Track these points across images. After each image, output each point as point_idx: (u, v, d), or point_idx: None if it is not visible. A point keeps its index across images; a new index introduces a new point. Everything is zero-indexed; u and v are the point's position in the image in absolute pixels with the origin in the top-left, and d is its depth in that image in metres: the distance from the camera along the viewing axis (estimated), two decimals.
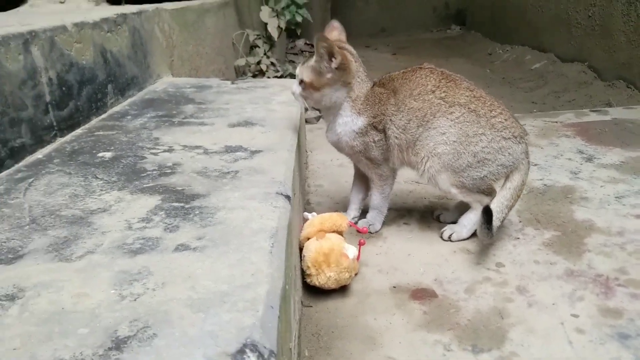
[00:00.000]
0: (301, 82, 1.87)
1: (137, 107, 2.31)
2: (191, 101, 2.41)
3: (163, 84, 2.79)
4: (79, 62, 2.02)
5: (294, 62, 6.02)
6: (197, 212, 1.26)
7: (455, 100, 1.80)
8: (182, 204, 1.31)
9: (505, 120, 1.80)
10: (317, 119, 4.21)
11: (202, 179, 1.47)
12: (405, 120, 1.84)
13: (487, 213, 1.69)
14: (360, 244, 1.74)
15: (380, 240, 1.96)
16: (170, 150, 1.73)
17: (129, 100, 2.43)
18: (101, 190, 1.40)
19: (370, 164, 1.95)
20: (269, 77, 4.84)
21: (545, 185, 2.31)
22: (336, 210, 2.16)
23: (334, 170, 2.62)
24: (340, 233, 1.71)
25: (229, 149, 1.73)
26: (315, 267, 1.59)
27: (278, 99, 2.46)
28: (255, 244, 1.10)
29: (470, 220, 1.88)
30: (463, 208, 1.97)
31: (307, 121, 4.19)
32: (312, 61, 1.83)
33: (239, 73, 4.96)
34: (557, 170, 2.45)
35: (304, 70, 1.86)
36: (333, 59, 1.80)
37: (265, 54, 5.08)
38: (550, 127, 3.10)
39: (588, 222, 1.98)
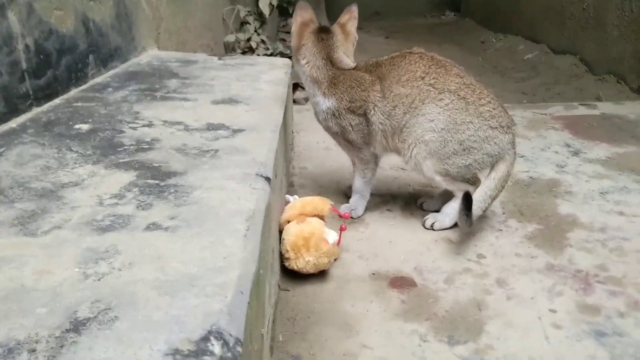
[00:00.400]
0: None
1: (119, 79, 2.24)
2: (175, 76, 2.34)
3: (148, 56, 2.72)
4: (58, 30, 1.95)
5: (285, 40, 5.92)
6: (172, 190, 1.22)
7: (445, 86, 1.77)
8: (157, 182, 1.26)
9: (494, 109, 1.77)
10: (306, 99, 4.15)
11: (181, 157, 1.43)
12: (390, 106, 1.80)
13: (467, 199, 1.66)
14: (342, 229, 1.71)
15: (362, 226, 1.93)
16: (149, 125, 1.68)
17: (112, 72, 2.35)
18: (75, 163, 1.35)
19: (350, 147, 1.92)
20: (258, 55, 4.76)
21: (530, 177, 2.29)
22: (319, 194, 2.14)
23: (320, 153, 2.59)
24: (321, 217, 1.68)
25: (211, 127, 1.68)
26: (295, 251, 1.56)
27: (266, 77, 2.40)
28: (230, 226, 1.06)
29: (453, 209, 1.86)
30: (447, 197, 1.95)
31: (295, 102, 4.14)
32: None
33: (228, 49, 4.86)
34: (544, 162, 2.44)
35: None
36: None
37: (255, 31, 4.99)
38: (538, 119, 3.08)
39: (571, 216, 1.97)
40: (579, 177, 2.28)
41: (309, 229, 1.57)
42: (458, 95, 1.76)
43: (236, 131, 1.66)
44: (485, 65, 5.49)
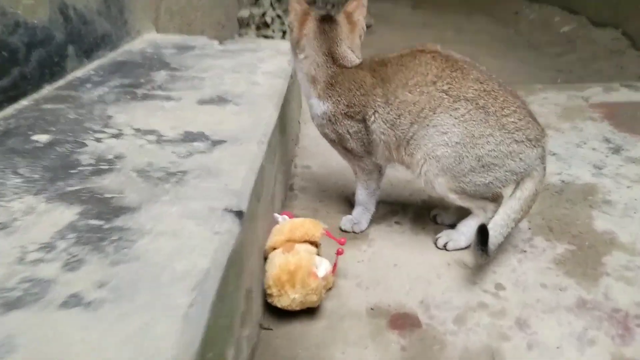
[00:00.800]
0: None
1: (104, 72, 2.03)
2: (166, 66, 2.12)
3: (142, 42, 2.50)
4: (27, 21, 1.74)
5: None
6: (115, 237, 1.01)
7: (462, 94, 1.50)
8: (101, 222, 1.06)
9: (519, 120, 1.50)
10: None
11: (141, 183, 1.22)
12: (394, 114, 1.55)
13: (482, 233, 1.42)
14: (338, 254, 1.49)
15: (366, 243, 1.70)
16: (118, 135, 1.47)
17: (97, 62, 2.15)
18: (14, 193, 1.15)
19: (349, 156, 1.68)
20: (273, 31, 4.50)
21: (563, 181, 2.01)
22: (321, 199, 1.92)
23: (326, 149, 2.32)
24: (313, 243, 1.46)
25: (188, 137, 1.47)
26: (278, 287, 1.35)
27: (265, 67, 2.16)
28: (171, 299, 0.85)
29: (470, 228, 1.61)
30: (464, 210, 1.70)
31: None
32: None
33: (242, 25, 4.60)
34: (579, 162, 2.15)
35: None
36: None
37: (271, 5, 4.70)
38: (574, 107, 2.75)
39: (609, 234, 1.70)
40: (620, 182, 1.99)
41: (296, 261, 1.35)
42: (476, 104, 1.49)
43: (216, 143, 1.44)
44: (517, 39, 5.09)
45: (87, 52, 2.10)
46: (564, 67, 4.32)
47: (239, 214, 1.13)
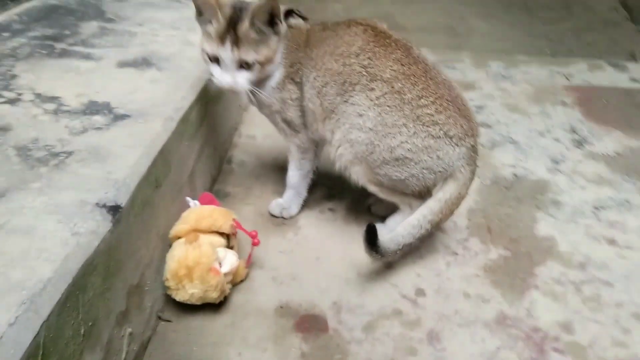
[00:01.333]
0: (246, 65, 1.36)
1: (28, 18, 1.85)
2: (100, 15, 1.94)
3: None
4: None
5: None
6: None
7: (379, 73, 1.36)
8: None
9: (438, 113, 1.35)
10: None
11: (16, 163, 1.09)
12: (321, 81, 1.42)
13: (369, 232, 1.31)
14: (254, 244, 1.39)
15: (292, 230, 1.60)
16: (14, 100, 1.33)
17: (25, 6, 1.96)
18: None
19: (287, 129, 1.54)
20: None
21: (515, 175, 1.89)
22: (259, 175, 1.80)
23: None
24: (223, 234, 1.35)
25: (90, 108, 1.33)
26: (175, 280, 1.25)
27: None
28: None
29: (397, 224, 1.50)
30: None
31: None
32: (244, 29, 1.31)
33: None
34: (537, 154, 2.02)
35: (246, 48, 1.33)
36: (277, 21, 1.34)
37: None
38: (549, 88, 2.60)
39: (549, 240, 1.60)
40: (574, 181, 1.88)
41: (195, 256, 1.24)
42: (392, 87, 1.35)
43: (119, 117, 1.30)
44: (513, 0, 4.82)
45: None
46: (555, 37, 4.09)
47: (114, 209, 1.01)
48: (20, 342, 0.74)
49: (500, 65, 2.90)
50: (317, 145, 1.59)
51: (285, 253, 1.52)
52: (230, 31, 1.31)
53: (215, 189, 1.74)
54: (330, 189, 1.78)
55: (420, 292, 1.41)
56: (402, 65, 1.36)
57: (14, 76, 1.44)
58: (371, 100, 1.35)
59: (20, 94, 1.35)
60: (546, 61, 3.07)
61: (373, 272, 1.46)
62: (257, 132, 2.08)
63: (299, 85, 1.46)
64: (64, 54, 1.61)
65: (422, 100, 1.34)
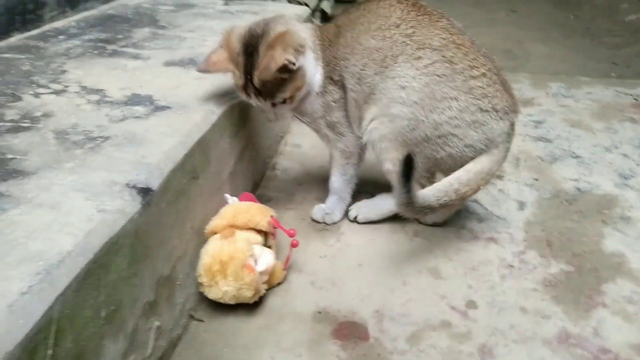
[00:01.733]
0: (281, 102, 1.34)
1: (85, 24, 1.90)
2: (153, 23, 1.97)
3: None
4: None
5: None
6: None
7: (426, 40, 1.28)
8: None
9: (488, 85, 1.28)
10: None
11: (53, 145, 1.07)
12: (360, 64, 1.35)
13: (407, 163, 1.15)
14: (292, 246, 1.31)
15: (334, 236, 1.52)
16: (60, 92, 1.33)
17: (84, 14, 2.02)
18: None
19: (331, 134, 1.47)
20: None
21: (578, 189, 1.75)
22: (302, 183, 1.74)
23: None
24: (260, 231, 1.28)
25: (133, 100, 1.32)
26: (209, 277, 1.19)
27: None
28: (3, 284, 0.71)
29: (388, 204, 1.47)
30: (452, 211, 1.49)
31: None
32: (258, 85, 1.29)
33: None
34: (603, 169, 1.87)
35: (270, 94, 1.31)
36: (291, 65, 1.27)
37: None
38: (615, 105, 2.44)
39: (618, 257, 1.44)
40: None
41: (230, 251, 1.18)
42: (443, 56, 1.27)
43: (159, 108, 1.28)
44: (575, 25, 4.65)
45: (72, 2, 1.98)
46: (621, 61, 3.89)
47: (145, 191, 0.97)
48: (31, 313, 0.70)
49: (561, 86, 2.76)
50: (361, 149, 1.51)
51: (326, 258, 1.43)
52: (249, 83, 1.29)
53: (257, 193, 1.68)
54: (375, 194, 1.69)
55: (471, 304, 1.28)
56: (450, 34, 1.30)
57: (63, 71, 1.46)
58: (417, 69, 1.28)
59: (66, 87, 1.36)
60: (611, 82, 2.90)
61: (420, 281, 1.35)
62: (303, 141, 2.04)
63: (339, 83, 1.41)
64: (114, 54, 1.63)
65: (474, 70, 1.28)
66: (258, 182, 1.74)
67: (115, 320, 0.90)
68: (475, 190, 1.35)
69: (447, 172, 1.36)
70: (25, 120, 1.17)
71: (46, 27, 1.82)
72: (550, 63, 3.64)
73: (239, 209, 1.28)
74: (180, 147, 1.13)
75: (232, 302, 1.21)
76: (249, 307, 1.25)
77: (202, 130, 1.22)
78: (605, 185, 1.77)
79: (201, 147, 1.21)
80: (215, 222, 1.26)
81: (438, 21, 1.32)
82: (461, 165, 1.34)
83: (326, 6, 4.23)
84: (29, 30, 1.76)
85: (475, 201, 1.64)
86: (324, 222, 1.57)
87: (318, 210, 1.58)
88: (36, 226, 0.82)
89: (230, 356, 1.15)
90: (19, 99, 1.27)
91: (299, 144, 2.02)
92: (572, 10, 5.20)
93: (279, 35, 1.27)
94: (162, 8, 2.19)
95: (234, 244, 1.19)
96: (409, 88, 1.29)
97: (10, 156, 1.02)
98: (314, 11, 4.12)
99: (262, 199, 1.64)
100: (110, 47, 1.67)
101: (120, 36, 1.79)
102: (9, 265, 0.74)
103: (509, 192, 1.71)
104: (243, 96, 1.34)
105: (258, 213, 1.27)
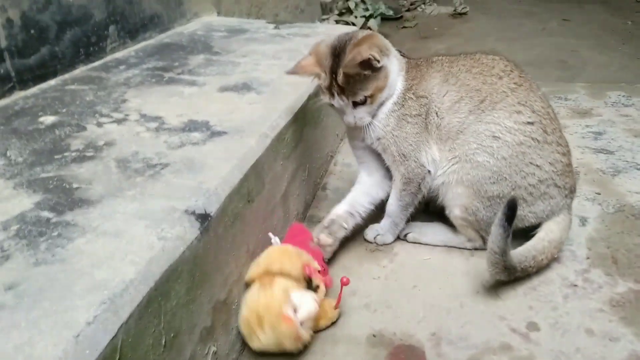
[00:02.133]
0: (362, 101, 1.36)
1: (143, 54, 1.99)
2: (208, 50, 2.04)
3: (197, 24, 2.45)
4: None
5: None
6: (56, 232, 0.92)
7: (528, 100, 1.32)
8: (52, 215, 0.97)
9: (566, 164, 1.35)
10: None
11: (115, 174, 1.12)
12: (456, 96, 1.36)
13: (511, 207, 1.17)
14: (342, 284, 1.25)
15: (388, 257, 1.51)
16: (121, 120, 1.40)
17: (142, 44, 2.12)
18: None
19: (397, 154, 1.44)
20: (356, 17, 4.32)
21: None
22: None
23: None
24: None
25: (190, 126, 1.36)
26: (248, 329, 1.16)
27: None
28: (71, 313, 0.74)
29: (434, 236, 1.54)
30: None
31: None
32: (342, 82, 1.31)
33: (325, 10, 4.47)
34: None
35: (352, 92, 1.33)
36: (374, 61, 1.30)
37: None
38: None
39: None
40: None
41: (266, 302, 1.13)
42: (540, 121, 1.31)
43: (215, 134, 1.32)
44: (632, 32, 4.48)
45: (132, 33, 2.07)
46: None
47: (204, 217, 1.00)
48: (96, 343, 0.72)
49: (620, 95, 2.65)
50: (424, 180, 1.47)
51: (379, 280, 1.42)
52: (334, 82, 1.32)
53: (309, 214, 1.70)
54: (431, 216, 1.67)
55: (532, 326, 1.24)
56: (545, 104, 1.35)
57: (124, 100, 1.53)
58: (515, 123, 1.30)
59: (127, 115, 1.42)
60: None
61: (478, 302, 1.32)
62: (353, 160, 2.02)
63: (423, 101, 1.41)
64: (170, 81, 1.69)
65: (560, 147, 1.33)
66: (309, 203, 1.75)
67: (174, 347, 0.92)
68: (550, 259, 1.37)
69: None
70: (90, 150, 1.23)
71: (108, 58, 1.92)
72: (608, 72, 3.50)
73: (271, 256, 1.24)
74: (236, 171, 1.15)
75: (275, 351, 1.17)
76: None
77: (257, 153, 1.25)
78: None
79: (256, 170, 1.24)
80: (253, 270, 1.22)
81: (538, 89, 1.37)
82: (522, 227, 1.39)
83: (373, 24, 4.27)
84: (92, 62, 1.85)
85: None
86: (375, 243, 1.56)
87: (371, 231, 1.57)
88: (101, 255, 0.86)
89: None
90: (84, 129, 1.34)
91: (349, 163, 2.03)
92: (628, 16, 5.01)
93: (366, 35, 1.32)
94: (216, 35, 2.26)
95: (270, 294, 1.14)
96: (501, 141, 1.30)
97: (75, 185, 1.07)
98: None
99: (313, 220, 1.66)
100: (167, 75, 1.74)
101: (176, 64, 1.86)
102: (76, 295, 0.77)
103: None
104: (327, 98, 1.37)
105: (288, 261, 1.22)
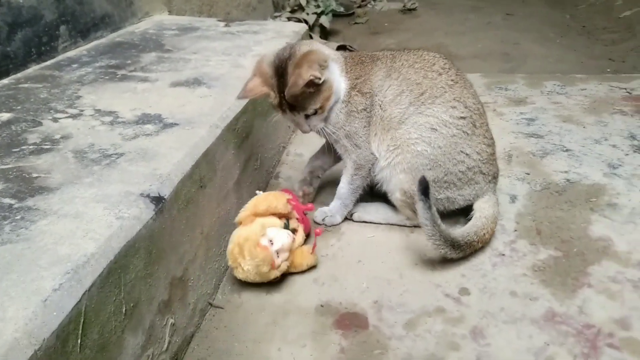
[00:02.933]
0: (311, 114, 1.48)
1: (95, 53, 2.04)
2: (159, 48, 2.11)
3: (148, 24, 2.50)
4: (11, 0, 1.76)
5: None
6: (18, 216, 0.99)
7: (462, 97, 1.48)
8: (14, 202, 1.04)
9: (491, 154, 1.54)
10: None
11: (73, 164, 1.19)
12: (397, 89, 1.49)
13: (422, 182, 1.32)
14: (316, 235, 1.49)
15: (335, 237, 1.62)
16: (76, 115, 1.46)
17: (94, 43, 2.16)
18: None
19: (348, 145, 1.57)
20: (307, 14, 4.41)
21: (567, 180, 1.83)
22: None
23: None
24: (283, 216, 1.45)
25: (143, 119, 1.44)
26: (232, 259, 1.37)
27: (258, 49, 2.10)
28: (38, 282, 0.82)
29: (380, 214, 1.66)
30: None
31: None
32: (290, 100, 1.42)
33: (277, 7, 4.55)
34: (592, 160, 1.95)
35: (302, 107, 1.45)
36: (316, 80, 1.40)
37: None
38: (605, 99, 2.51)
39: (604, 241, 1.52)
40: (633, 184, 1.79)
41: (245, 234, 1.35)
42: (471, 115, 1.48)
43: (167, 126, 1.40)
44: (571, 25, 4.74)
45: (83, 33, 2.12)
46: (617, 57, 3.97)
47: (158, 199, 1.09)
48: (63, 307, 0.81)
49: (555, 84, 2.83)
50: (373, 163, 1.60)
51: (327, 257, 1.53)
52: (283, 100, 1.43)
53: None
54: (374, 198, 1.79)
55: (464, 291, 1.38)
56: (476, 101, 1.50)
57: (78, 97, 1.59)
58: (451, 116, 1.45)
59: (82, 110, 1.49)
60: (606, 78, 2.97)
61: (416, 273, 1.45)
62: (304, 150, 2.14)
63: (368, 96, 1.52)
64: (124, 78, 1.75)
65: (486, 139, 1.49)
66: (263, 190, 1.84)
67: (134, 315, 1.00)
68: (491, 234, 1.53)
69: (442, 211, 1.52)
70: (47, 143, 1.29)
71: (60, 57, 1.96)
72: (548, 63, 3.72)
73: (258, 199, 1.45)
74: (188, 159, 1.24)
75: (257, 280, 1.36)
76: (256, 305, 1.36)
77: (207, 143, 1.34)
78: (594, 175, 1.85)
79: (207, 158, 1.33)
80: (240, 215, 1.42)
81: (471, 87, 1.52)
82: (452, 208, 1.56)
83: (325, 21, 4.38)
84: (45, 61, 1.90)
85: None
86: (324, 224, 1.67)
87: (321, 213, 1.68)
88: (63, 234, 0.94)
89: (239, 350, 1.25)
90: (40, 124, 1.40)
91: (301, 153, 2.13)
92: (568, 10, 5.28)
93: (304, 54, 1.41)
94: (167, 33, 2.33)
95: (250, 228, 1.36)
96: (438, 132, 1.44)
97: (35, 175, 1.14)
98: (312, 27, 4.26)
99: None
100: (120, 72, 1.80)
101: (129, 61, 1.92)
102: (42, 267, 0.85)
103: (501, 187, 1.80)
104: (279, 114, 1.50)
105: (274, 199, 1.43)
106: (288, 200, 1.46)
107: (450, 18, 5.06)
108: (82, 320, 0.84)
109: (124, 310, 0.97)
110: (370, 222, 1.65)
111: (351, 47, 3.89)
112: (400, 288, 1.40)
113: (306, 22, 4.17)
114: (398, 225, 1.63)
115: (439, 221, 1.36)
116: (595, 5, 5.19)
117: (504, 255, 1.50)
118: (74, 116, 1.45)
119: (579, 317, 1.27)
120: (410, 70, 1.50)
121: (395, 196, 1.54)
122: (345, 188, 1.64)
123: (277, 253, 1.36)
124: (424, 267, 1.47)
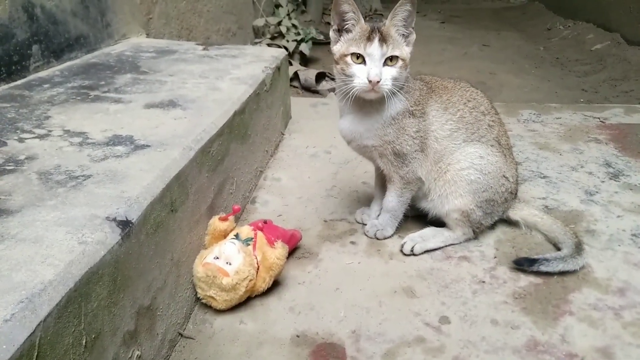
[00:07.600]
0: (390, 60, 1.43)
1: (68, 73, 1.99)
2: (135, 69, 2.07)
3: (125, 46, 2.46)
4: None
5: (330, 24, 5.52)
6: None
7: (499, 136, 1.64)
8: None
9: (515, 175, 1.69)
10: (331, 90, 3.77)
11: (37, 186, 1.14)
12: (454, 126, 1.57)
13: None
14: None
15: (313, 263, 1.57)
16: (44, 136, 1.40)
17: (68, 64, 2.11)
18: None
19: (395, 161, 1.56)
20: (287, 41, 4.43)
21: (546, 207, 1.83)
22: (280, 215, 1.80)
23: (303, 161, 2.23)
24: (229, 231, 1.49)
25: (114, 140, 1.39)
26: (201, 295, 1.38)
27: (236, 73, 2.08)
28: None
29: (440, 238, 1.65)
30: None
31: (319, 92, 3.78)
32: (388, 28, 1.42)
33: (258, 34, 4.57)
34: (569, 187, 1.95)
35: (392, 44, 1.41)
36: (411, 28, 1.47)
37: (288, 14, 4.64)
38: (580, 128, 2.55)
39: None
40: (610, 211, 1.79)
41: (194, 267, 1.38)
42: (502, 150, 1.64)
43: (139, 147, 1.35)
44: (545, 56, 4.85)
45: (57, 53, 2.07)
46: (589, 87, 4.06)
47: (125, 223, 1.03)
48: (13, 339, 0.74)
49: (531, 113, 2.86)
50: (421, 180, 1.62)
51: (304, 285, 1.49)
52: (376, 30, 1.41)
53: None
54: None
55: (444, 320, 1.34)
56: (506, 136, 1.68)
57: (47, 117, 1.53)
58: (492, 152, 1.59)
59: (50, 131, 1.43)
60: (580, 108, 3.02)
61: (395, 301, 1.41)
62: (282, 175, 2.11)
63: (421, 120, 1.54)
64: (96, 99, 1.71)
65: (512, 164, 1.66)
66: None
67: (95, 348, 0.94)
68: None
69: (486, 224, 1.67)
70: (10, 164, 1.23)
71: (31, 77, 1.90)
72: (523, 92, 3.78)
73: (212, 222, 1.49)
74: (159, 181, 1.19)
75: (235, 298, 1.36)
76: (230, 334, 1.30)
77: (180, 165, 1.29)
78: (571, 202, 1.85)
79: (179, 181, 1.28)
80: (206, 240, 1.47)
81: (503, 125, 1.68)
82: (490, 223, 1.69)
83: (305, 48, 4.40)
84: (15, 80, 1.84)
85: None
86: (376, 238, 1.67)
87: (371, 227, 1.68)
88: (19, 259, 0.88)
89: None
90: (4, 144, 1.34)
91: (278, 177, 2.10)
92: (541, 42, 5.42)
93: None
94: (144, 55, 2.29)
95: (200, 256, 1.41)
96: (485, 159, 1.57)
97: None
98: (292, 54, 4.28)
99: None
100: (93, 93, 1.76)
101: (102, 82, 1.88)
102: None
103: None
104: (354, 46, 1.42)
105: (212, 223, 1.48)
106: (253, 224, 1.51)
107: (428, 48, 5.14)
108: (35, 354, 0.78)
109: (84, 342, 0.90)
110: (433, 249, 1.64)
111: (330, 74, 3.91)
112: (379, 317, 1.35)
113: (286, 49, 4.18)
114: (453, 244, 1.65)
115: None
116: (567, 39, 5.34)
117: (484, 282, 1.47)
118: (41, 136, 1.40)
119: (561, 346, 1.24)
120: (465, 108, 1.59)
121: (454, 217, 1.61)
122: (394, 201, 1.64)
123: (228, 262, 1.35)
124: (404, 294, 1.43)
